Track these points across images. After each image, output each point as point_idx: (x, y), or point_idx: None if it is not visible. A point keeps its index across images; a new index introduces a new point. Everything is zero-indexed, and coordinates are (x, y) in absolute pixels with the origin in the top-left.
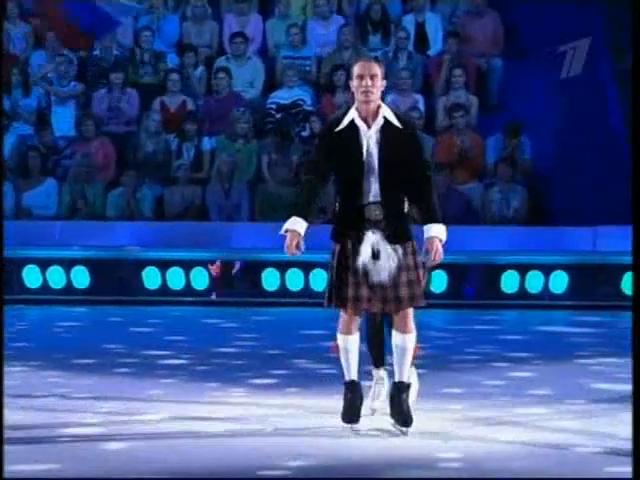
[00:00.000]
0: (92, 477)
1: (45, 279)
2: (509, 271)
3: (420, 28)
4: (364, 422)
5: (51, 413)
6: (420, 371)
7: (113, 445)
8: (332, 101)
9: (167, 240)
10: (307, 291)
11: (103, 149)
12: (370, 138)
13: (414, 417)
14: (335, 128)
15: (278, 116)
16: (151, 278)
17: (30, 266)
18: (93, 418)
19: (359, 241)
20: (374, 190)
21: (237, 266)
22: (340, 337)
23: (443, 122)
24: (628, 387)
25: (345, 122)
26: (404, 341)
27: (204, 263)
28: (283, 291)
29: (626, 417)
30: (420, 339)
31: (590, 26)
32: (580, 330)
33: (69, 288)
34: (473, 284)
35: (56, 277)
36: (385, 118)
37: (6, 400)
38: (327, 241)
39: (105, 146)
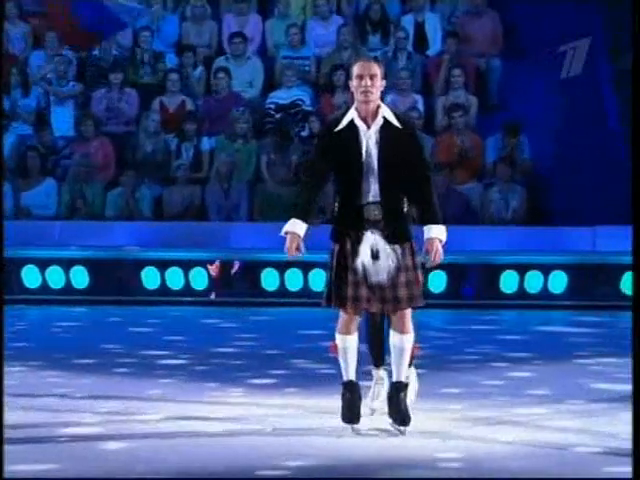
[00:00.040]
0: (92, 477)
1: (44, 279)
2: (508, 271)
3: (419, 28)
4: (364, 422)
5: (51, 413)
6: (419, 371)
7: (113, 445)
8: (331, 101)
9: (166, 240)
10: (306, 291)
11: (102, 149)
12: (369, 138)
13: (413, 417)
14: (334, 128)
15: (277, 116)
16: (150, 278)
17: (29, 266)
18: (92, 418)
19: (358, 241)
20: (373, 190)
21: (236, 266)
22: (339, 337)
23: (442, 122)
24: (628, 387)
25: (344, 122)
26: (402, 341)
27: (203, 263)
28: (282, 291)
29: (626, 417)
30: (419, 339)
31: (590, 26)
32: (579, 330)
33: (68, 288)
34: (472, 284)
35: (55, 277)
36: (385, 118)
37: (6, 400)
38: (326, 241)
39: (104, 146)
